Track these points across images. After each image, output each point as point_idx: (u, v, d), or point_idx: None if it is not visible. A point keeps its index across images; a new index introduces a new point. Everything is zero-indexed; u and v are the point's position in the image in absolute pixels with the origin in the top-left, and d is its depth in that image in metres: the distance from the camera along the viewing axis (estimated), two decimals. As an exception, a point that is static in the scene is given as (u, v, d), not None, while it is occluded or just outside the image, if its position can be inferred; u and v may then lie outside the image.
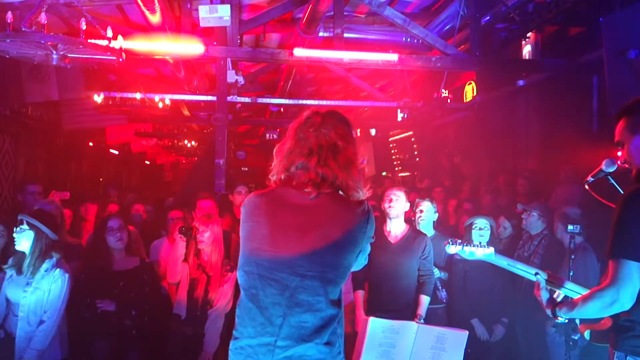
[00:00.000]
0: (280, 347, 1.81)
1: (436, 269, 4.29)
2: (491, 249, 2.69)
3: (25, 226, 3.33)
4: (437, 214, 4.58)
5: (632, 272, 1.94)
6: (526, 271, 2.56)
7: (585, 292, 2.30)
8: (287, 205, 1.92)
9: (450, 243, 2.77)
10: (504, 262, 2.65)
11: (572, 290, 2.40)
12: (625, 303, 1.96)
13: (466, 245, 2.72)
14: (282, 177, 1.97)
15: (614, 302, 1.97)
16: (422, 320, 3.74)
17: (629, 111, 2.17)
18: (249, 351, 1.84)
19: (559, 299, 2.36)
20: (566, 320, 2.28)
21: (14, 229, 3.33)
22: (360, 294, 3.95)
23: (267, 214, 1.92)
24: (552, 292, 2.39)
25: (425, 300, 3.90)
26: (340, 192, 1.94)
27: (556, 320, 2.29)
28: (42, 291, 3.33)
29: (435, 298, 4.29)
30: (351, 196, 1.94)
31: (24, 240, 3.32)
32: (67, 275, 3.42)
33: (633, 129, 2.13)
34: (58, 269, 3.40)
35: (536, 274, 2.45)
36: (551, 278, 2.45)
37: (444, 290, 4.35)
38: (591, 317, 2.20)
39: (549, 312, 2.28)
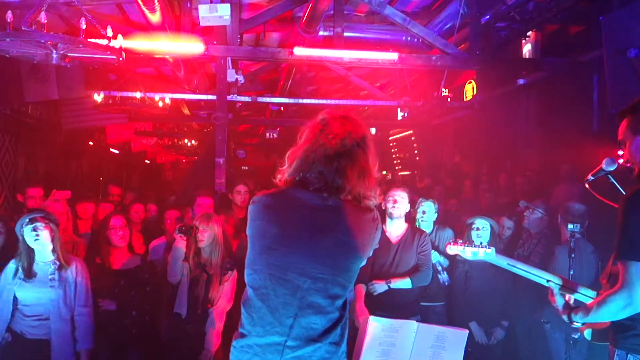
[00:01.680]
0: (290, 347, 1.82)
1: (436, 253, 4.31)
2: (492, 249, 2.68)
3: (41, 224, 3.33)
4: (437, 214, 4.59)
5: None
6: (530, 272, 2.55)
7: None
8: (301, 206, 1.90)
9: (451, 244, 2.77)
10: (504, 262, 2.65)
11: (585, 295, 2.39)
12: (638, 305, 1.95)
13: (467, 246, 2.71)
14: (297, 179, 1.95)
15: (627, 305, 1.97)
16: (390, 284, 3.75)
17: (631, 110, 2.16)
18: (257, 350, 1.84)
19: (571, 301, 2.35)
20: (582, 324, 2.26)
21: (29, 228, 3.30)
22: (362, 287, 3.93)
23: (278, 213, 1.91)
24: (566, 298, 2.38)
25: (405, 280, 3.82)
26: (351, 198, 1.93)
27: (572, 326, 2.28)
28: (69, 284, 3.42)
29: (436, 295, 4.30)
30: (364, 203, 1.94)
31: (43, 239, 3.33)
32: (84, 265, 3.56)
33: (635, 128, 2.13)
34: (75, 262, 3.51)
35: (548, 280, 2.43)
36: (565, 284, 2.44)
37: (445, 272, 4.35)
38: (606, 320, 2.18)
39: (565, 317, 2.28)
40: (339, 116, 2.01)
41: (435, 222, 4.61)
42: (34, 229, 3.31)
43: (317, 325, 1.84)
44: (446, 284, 4.35)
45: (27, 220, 3.32)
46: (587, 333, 2.44)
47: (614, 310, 2.02)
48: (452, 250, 2.77)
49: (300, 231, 1.87)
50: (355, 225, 1.91)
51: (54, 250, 3.39)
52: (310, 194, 1.90)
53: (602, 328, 2.36)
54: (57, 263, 3.39)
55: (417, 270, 3.93)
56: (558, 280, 2.43)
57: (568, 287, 2.43)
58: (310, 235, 1.86)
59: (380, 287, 3.78)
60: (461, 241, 2.76)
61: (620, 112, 2.21)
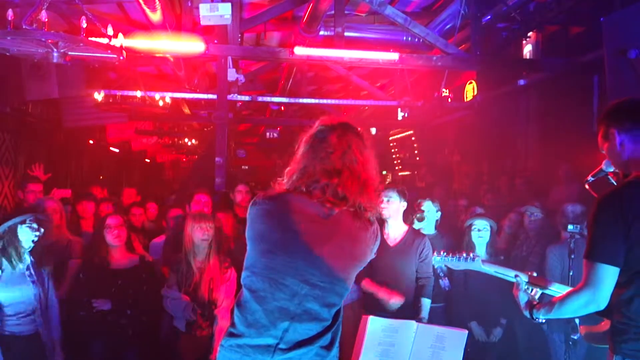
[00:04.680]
0: (282, 350, 1.83)
1: (437, 258, 4.29)
2: (477, 259, 2.68)
3: (35, 224, 3.35)
4: (439, 213, 4.58)
5: (607, 275, 1.99)
6: (509, 275, 2.55)
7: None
8: (302, 213, 1.90)
9: (436, 255, 2.78)
10: (491, 269, 2.65)
11: (557, 291, 2.40)
12: (601, 303, 2.02)
13: (452, 256, 2.73)
14: (303, 189, 1.94)
15: (589, 303, 2.03)
16: (424, 320, 3.72)
17: (605, 118, 2.25)
18: (248, 350, 1.84)
19: (536, 297, 2.38)
20: (543, 320, 2.29)
21: (34, 226, 3.32)
22: (367, 280, 3.88)
23: (280, 218, 1.91)
24: (531, 294, 2.40)
25: (426, 302, 3.89)
26: (353, 210, 1.95)
27: (534, 322, 2.32)
28: (43, 278, 3.44)
29: (435, 296, 4.29)
30: (365, 215, 1.96)
31: (33, 237, 3.34)
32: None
33: (604, 136, 2.23)
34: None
35: (516, 275, 2.45)
36: (534, 280, 2.46)
37: (446, 278, 4.35)
38: (568, 316, 2.25)
39: (526, 313, 2.31)
40: (337, 125, 1.99)
41: (438, 226, 4.59)
42: (37, 229, 3.33)
43: (312, 332, 1.86)
44: (447, 289, 4.35)
45: (31, 218, 3.33)
46: (586, 337, 2.44)
47: (576, 307, 2.07)
48: (437, 262, 2.78)
49: (302, 238, 1.87)
50: (355, 237, 1.94)
51: (33, 250, 3.38)
52: (313, 202, 1.90)
53: (596, 331, 2.37)
54: (34, 260, 3.38)
55: (424, 286, 3.92)
56: (525, 277, 2.45)
57: (539, 283, 2.45)
58: (311, 243, 1.87)
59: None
60: (445, 253, 2.77)
61: (598, 121, 2.30)
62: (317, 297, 1.86)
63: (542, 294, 2.46)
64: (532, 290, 2.41)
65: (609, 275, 1.99)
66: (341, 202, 1.90)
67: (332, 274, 1.88)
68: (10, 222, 3.31)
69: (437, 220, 4.57)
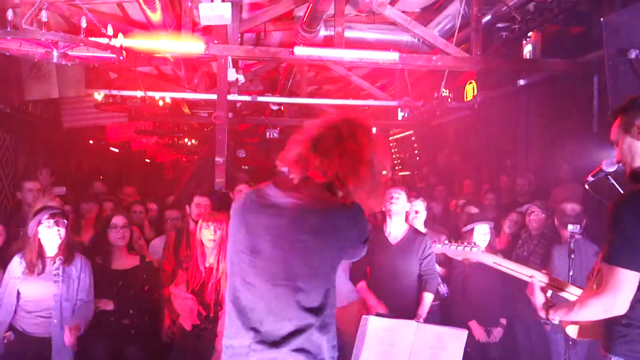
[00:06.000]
0: (254, 350, 1.81)
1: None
2: (478, 248, 2.68)
3: (60, 220, 3.39)
4: (425, 212, 4.62)
5: (630, 280, 1.96)
6: (516, 270, 2.53)
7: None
8: (267, 205, 1.86)
9: (437, 243, 2.78)
10: (490, 260, 2.64)
11: (573, 294, 2.38)
12: (621, 309, 1.99)
13: (453, 244, 2.72)
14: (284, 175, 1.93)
15: (611, 308, 2.00)
16: (421, 320, 3.71)
17: (623, 110, 2.18)
18: (232, 351, 1.86)
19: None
20: (556, 322, 2.28)
21: (50, 222, 3.34)
22: (363, 284, 3.96)
23: (247, 215, 1.89)
24: (545, 295, 2.38)
25: (427, 297, 3.88)
26: (330, 192, 1.85)
27: (548, 322, 2.30)
28: (72, 280, 3.43)
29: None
30: (342, 190, 1.85)
31: (61, 234, 3.37)
32: (87, 261, 3.57)
33: (626, 128, 2.14)
34: (80, 258, 3.53)
35: (531, 276, 2.42)
36: (553, 282, 2.44)
37: (444, 285, 4.36)
38: (586, 320, 2.20)
39: (542, 314, 2.29)
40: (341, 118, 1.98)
41: (430, 225, 4.60)
42: (56, 223, 3.35)
43: (281, 331, 1.79)
44: (445, 295, 4.36)
45: (48, 215, 3.35)
46: (569, 330, 2.42)
47: (597, 311, 2.04)
48: (437, 249, 2.78)
49: (262, 234, 1.84)
50: (322, 223, 1.81)
51: (60, 246, 3.40)
52: (277, 190, 1.87)
53: (588, 324, 2.35)
54: (62, 258, 3.40)
55: (427, 282, 3.91)
56: (543, 278, 2.42)
57: (556, 285, 2.43)
58: (270, 238, 1.82)
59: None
60: (447, 241, 2.76)
61: (613, 112, 2.23)
62: (279, 296, 1.79)
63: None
64: (548, 291, 2.39)
65: (630, 280, 1.95)
66: (318, 174, 1.84)
67: (292, 270, 1.79)
68: (32, 223, 3.35)
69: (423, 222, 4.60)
